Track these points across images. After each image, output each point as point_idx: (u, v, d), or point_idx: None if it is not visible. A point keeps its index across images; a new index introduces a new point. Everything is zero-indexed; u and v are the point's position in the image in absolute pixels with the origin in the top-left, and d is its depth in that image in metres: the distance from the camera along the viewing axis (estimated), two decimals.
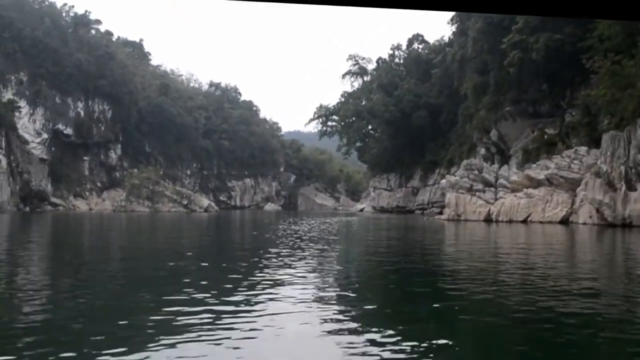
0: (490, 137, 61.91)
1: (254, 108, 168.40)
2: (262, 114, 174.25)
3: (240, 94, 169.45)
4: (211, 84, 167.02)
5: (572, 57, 44.83)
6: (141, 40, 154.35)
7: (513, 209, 39.02)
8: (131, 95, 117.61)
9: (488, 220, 40.58)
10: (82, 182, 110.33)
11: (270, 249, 16.99)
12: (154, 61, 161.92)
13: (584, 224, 33.95)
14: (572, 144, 40.78)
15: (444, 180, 48.71)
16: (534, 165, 41.25)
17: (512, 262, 14.09)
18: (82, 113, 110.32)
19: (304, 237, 22.32)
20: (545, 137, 49.27)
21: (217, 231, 31.76)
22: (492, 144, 62.08)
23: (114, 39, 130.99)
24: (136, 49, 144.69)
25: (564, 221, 36.56)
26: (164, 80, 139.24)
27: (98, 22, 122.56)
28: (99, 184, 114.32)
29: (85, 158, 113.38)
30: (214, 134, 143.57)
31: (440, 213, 66.15)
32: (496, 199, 41.90)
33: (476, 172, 44.15)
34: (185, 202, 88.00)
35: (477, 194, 42.82)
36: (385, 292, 9.53)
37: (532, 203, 38.31)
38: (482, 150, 63.00)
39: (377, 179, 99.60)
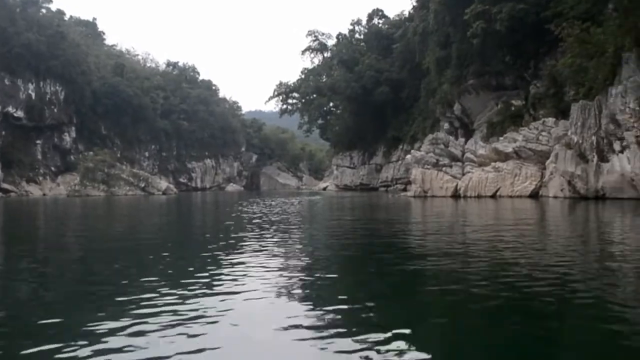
0: (454, 111, 61.09)
1: (213, 87, 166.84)
2: (222, 94, 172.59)
3: (198, 73, 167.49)
4: (168, 64, 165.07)
5: (536, 27, 43.83)
6: (94, 19, 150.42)
7: (481, 184, 37.87)
8: (85, 76, 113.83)
9: (456, 195, 39.34)
10: (35, 167, 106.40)
11: (230, 233, 15.75)
12: (109, 41, 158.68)
13: (555, 197, 32.98)
14: (539, 115, 39.81)
15: (409, 156, 47.39)
16: (501, 138, 40.02)
17: (482, 239, 13.14)
18: (33, 95, 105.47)
19: (264, 219, 20.79)
20: (512, 109, 48.44)
21: (173, 215, 29.96)
22: (456, 118, 61.29)
23: (66, 18, 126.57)
24: (89, 28, 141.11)
25: (534, 195, 35.53)
26: (119, 60, 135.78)
27: (49, 0, 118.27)
28: (53, 169, 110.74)
29: (38, 142, 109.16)
30: (172, 114, 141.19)
31: (405, 190, 65.18)
32: (463, 174, 40.66)
33: (442, 146, 42.80)
34: (142, 184, 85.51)
35: (444, 169, 41.46)
36: (352, 276, 8.77)
37: (501, 177, 37.19)
38: (446, 125, 62.24)
39: (339, 157, 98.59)
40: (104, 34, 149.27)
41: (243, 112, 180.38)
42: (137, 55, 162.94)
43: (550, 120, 36.73)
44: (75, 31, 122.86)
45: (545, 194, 34.82)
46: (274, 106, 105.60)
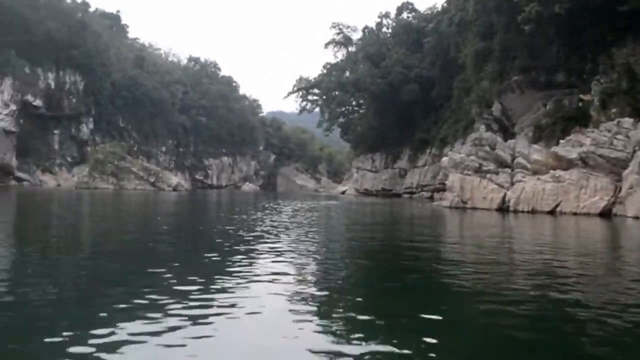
0: (492, 112, 54.28)
1: (234, 84, 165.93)
2: (242, 91, 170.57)
3: (219, 69, 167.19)
4: (190, 59, 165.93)
5: (604, 10, 36.67)
6: (118, 12, 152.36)
7: (536, 196, 30.27)
8: (105, 67, 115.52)
9: (502, 209, 31.94)
10: (51, 157, 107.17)
11: (233, 240, 13.35)
12: (132, 34, 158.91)
13: (637, 217, 25.68)
14: (612, 115, 32.32)
15: (445, 159, 40.02)
16: (563, 141, 32.43)
17: (541, 273, 9.53)
18: (52, 84, 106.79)
19: (269, 228, 16.88)
20: (567, 109, 41.20)
21: (175, 215, 25.26)
22: (494, 120, 54.39)
23: (91, 10, 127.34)
24: (113, 21, 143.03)
25: (606, 213, 28.17)
26: (141, 53, 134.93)
27: None
28: (69, 159, 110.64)
29: (56, 132, 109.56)
30: (191, 109, 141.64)
31: (431, 197, 58.70)
32: (512, 183, 33.22)
33: (487, 148, 35.24)
34: (152, 179, 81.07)
35: (488, 175, 34.03)
36: (373, 303, 6.96)
37: (562, 189, 29.55)
38: (482, 127, 55.07)
39: (360, 159, 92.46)
40: (127, 27, 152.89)
41: (264, 111, 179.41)
42: (160, 49, 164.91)
43: (628, 121, 29.14)
44: (99, 23, 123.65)
45: (622, 213, 27.36)
46: (294, 103, 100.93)
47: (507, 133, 50.94)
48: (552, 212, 29.44)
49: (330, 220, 23.46)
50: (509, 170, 34.13)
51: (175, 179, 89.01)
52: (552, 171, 30.79)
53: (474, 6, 53.54)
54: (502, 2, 47.32)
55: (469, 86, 60.56)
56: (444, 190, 47.56)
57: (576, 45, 42.69)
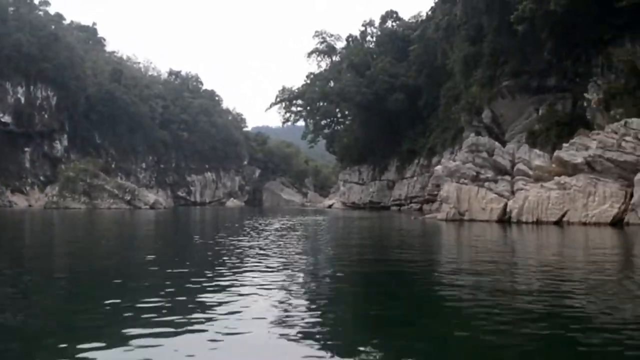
0: (482, 119, 52.03)
1: (216, 98, 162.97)
2: (226, 105, 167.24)
3: (201, 83, 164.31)
4: (171, 72, 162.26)
5: (603, 6, 34.58)
6: (94, 24, 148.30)
7: (541, 206, 27.76)
8: (79, 81, 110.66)
9: (504, 220, 29.55)
10: (22, 176, 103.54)
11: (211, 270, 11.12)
12: (110, 47, 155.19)
13: None
14: (617, 116, 30.01)
15: (438, 167, 37.63)
16: (566, 145, 30.12)
17: (548, 292, 8.02)
18: (22, 99, 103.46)
19: (251, 252, 14.55)
20: (565, 113, 39.10)
21: (142, 237, 23.65)
22: (484, 128, 52.14)
23: (66, 23, 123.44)
24: (89, 34, 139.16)
25: (617, 222, 25.84)
26: (119, 66, 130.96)
27: (46, 3, 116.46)
28: (42, 178, 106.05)
29: (26, 149, 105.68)
30: (172, 124, 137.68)
31: (420, 210, 56.50)
32: (513, 192, 30.87)
33: (485, 154, 32.89)
34: (128, 197, 77.77)
35: (487, 184, 31.68)
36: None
37: (569, 197, 27.11)
38: (471, 136, 53.09)
39: (347, 172, 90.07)
40: (104, 40, 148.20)
41: (250, 126, 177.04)
42: (139, 63, 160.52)
43: (637, 122, 26.82)
44: (74, 36, 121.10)
45: (634, 221, 25.07)
46: (277, 114, 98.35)
47: (499, 141, 48.68)
48: (558, 223, 27.09)
49: (315, 240, 21.01)
50: (508, 177, 31.80)
51: (152, 196, 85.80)
52: (556, 177, 28.47)
53: (463, 7, 51.42)
54: (491, 2, 45.28)
55: (457, 93, 58.56)
56: (433, 201, 45.35)
57: (570, 45, 40.59)
